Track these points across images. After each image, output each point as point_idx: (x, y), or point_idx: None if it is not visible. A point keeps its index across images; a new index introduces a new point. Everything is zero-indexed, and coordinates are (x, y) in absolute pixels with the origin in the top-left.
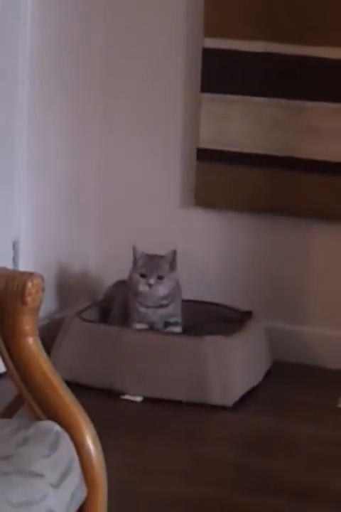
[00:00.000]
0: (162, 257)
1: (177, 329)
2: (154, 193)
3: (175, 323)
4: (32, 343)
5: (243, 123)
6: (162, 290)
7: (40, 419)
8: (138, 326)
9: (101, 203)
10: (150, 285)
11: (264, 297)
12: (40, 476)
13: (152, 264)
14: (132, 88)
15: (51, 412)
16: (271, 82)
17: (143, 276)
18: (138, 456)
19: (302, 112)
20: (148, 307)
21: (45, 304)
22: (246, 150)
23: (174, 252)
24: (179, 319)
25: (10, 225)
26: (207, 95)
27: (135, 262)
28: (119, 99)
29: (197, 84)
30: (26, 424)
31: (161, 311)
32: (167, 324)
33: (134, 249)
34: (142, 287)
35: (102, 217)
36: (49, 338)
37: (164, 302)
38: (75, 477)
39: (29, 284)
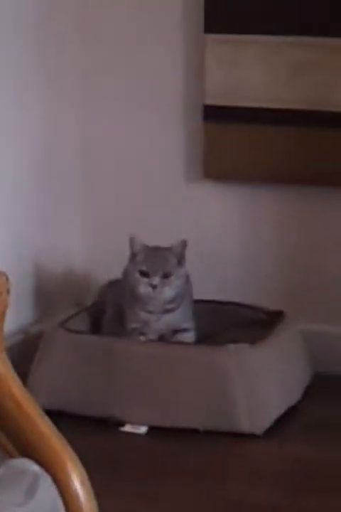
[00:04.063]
0: (167, 249)
1: (189, 336)
2: (151, 166)
3: (185, 330)
4: None
5: (261, 69)
6: (168, 292)
7: (12, 456)
8: (141, 338)
9: (86, 180)
10: (153, 286)
11: (299, 293)
12: None
13: (155, 260)
14: (118, 29)
15: (27, 448)
16: (296, 15)
17: (144, 274)
18: (142, 503)
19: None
20: (150, 312)
21: (15, 314)
22: (266, 104)
23: (183, 243)
24: (190, 324)
25: None
26: (213, 36)
27: (133, 256)
28: (102, 45)
29: (200, 24)
30: None
31: (166, 318)
32: (175, 332)
33: (132, 239)
34: (143, 289)
35: (88, 199)
36: (23, 358)
37: (170, 306)
38: None
39: None
